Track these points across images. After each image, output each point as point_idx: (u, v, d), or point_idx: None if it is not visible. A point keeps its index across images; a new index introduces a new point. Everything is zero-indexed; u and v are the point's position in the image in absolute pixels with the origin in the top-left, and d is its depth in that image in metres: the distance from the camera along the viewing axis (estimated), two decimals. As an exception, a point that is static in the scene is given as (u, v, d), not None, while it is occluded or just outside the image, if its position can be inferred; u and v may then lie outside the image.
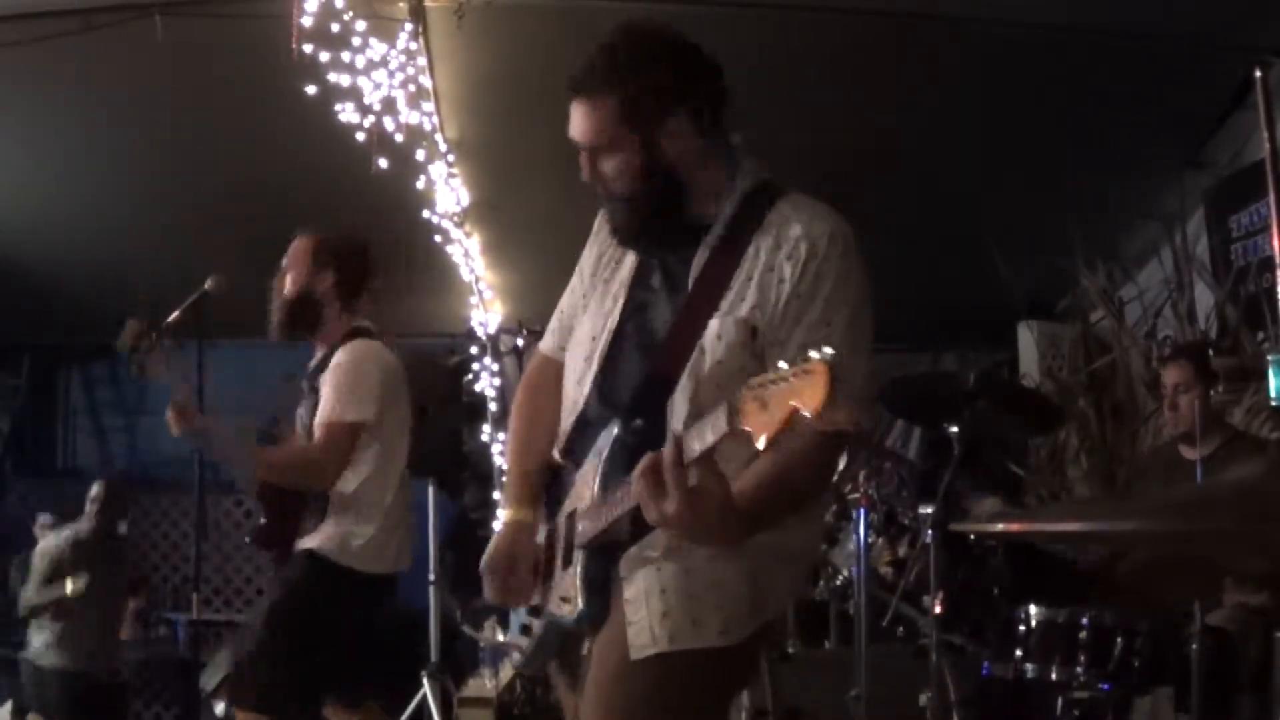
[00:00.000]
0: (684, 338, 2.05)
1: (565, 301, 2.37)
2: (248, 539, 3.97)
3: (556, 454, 2.21)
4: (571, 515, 2.10)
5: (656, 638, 2.01)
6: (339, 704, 3.87)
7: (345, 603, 3.68)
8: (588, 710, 2.05)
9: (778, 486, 1.91)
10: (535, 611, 2.18)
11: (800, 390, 1.56)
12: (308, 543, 3.67)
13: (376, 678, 4.19)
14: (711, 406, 1.99)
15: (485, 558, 2.23)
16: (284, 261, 3.85)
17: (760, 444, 1.61)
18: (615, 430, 2.05)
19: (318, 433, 3.67)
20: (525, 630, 2.21)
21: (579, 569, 2.06)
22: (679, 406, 2.02)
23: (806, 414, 1.56)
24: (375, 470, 3.70)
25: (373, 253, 3.92)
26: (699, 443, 1.75)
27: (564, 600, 2.08)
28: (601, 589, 2.07)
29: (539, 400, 2.34)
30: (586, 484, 2.07)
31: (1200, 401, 4.04)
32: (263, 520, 3.77)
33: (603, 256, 2.27)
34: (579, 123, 2.08)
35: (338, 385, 3.66)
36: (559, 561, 2.13)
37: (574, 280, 2.35)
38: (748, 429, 1.63)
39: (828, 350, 1.57)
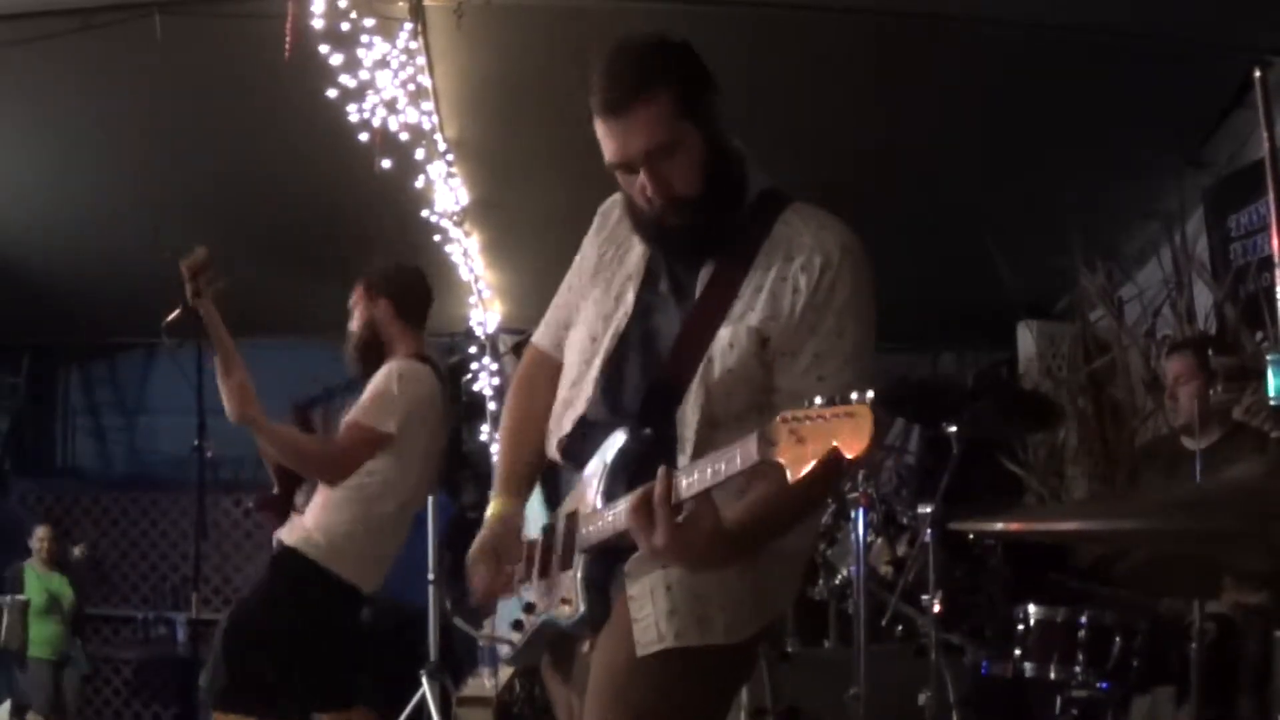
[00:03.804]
0: (692, 346, 2.03)
1: (561, 296, 2.34)
2: (251, 504, 4.08)
3: (554, 452, 2.20)
4: (573, 516, 2.09)
5: (663, 634, 2.01)
6: (328, 708, 3.89)
7: (315, 601, 3.70)
8: (592, 708, 2.05)
9: (777, 513, 1.91)
10: (529, 608, 2.17)
11: (841, 430, 1.58)
12: (288, 538, 3.72)
13: (367, 683, 4.21)
14: (722, 414, 2.01)
15: (471, 551, 2.21)
16: (350, 305, 3.99)
17: (792, 478, 1.62)
18: (621, 437, 2.03)
19: (342, 430, 3.73)
20: (517, 626, 2.21)
21: (580, 572, 2.05)
22: (690, 415, 2.01)
23: (848, 456, 1.57)
24: (375, 480, 3.73)
25: (422, 277, 4.04)
26: (726, 467, 1.75)
27: (564, 602, 2.07)
28: (603, 591, 2.06)
29: (532, 396, 2.32)
30: (589, 488, 2.06)
31: (1200, 393, 4.07)
32: (275, 490, 3.89)
33: (604, 254, 2.23)
34: (637, 131, 1.96)
35: (374, 391, 3.74)
36: (557, 562, 2.12)
37: (571, 276, 2.32)
38: (780, 461, 1.63)
39: (869, 393, 1.58)
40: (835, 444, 1.58)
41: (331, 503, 3.72)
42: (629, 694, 2.01)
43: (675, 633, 2.01)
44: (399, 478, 3.77)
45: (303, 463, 3.80)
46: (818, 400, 1.62)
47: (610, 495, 2.01)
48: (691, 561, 1.90)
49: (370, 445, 3.70)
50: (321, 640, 3.74)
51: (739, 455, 1.72)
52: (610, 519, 1.97)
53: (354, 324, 3.95)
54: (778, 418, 1.65)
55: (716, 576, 2.01)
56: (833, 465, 1.60)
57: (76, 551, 4.31)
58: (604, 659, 2.06)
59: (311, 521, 3.71)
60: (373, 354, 3.90)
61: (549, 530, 2.17)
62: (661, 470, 1.82)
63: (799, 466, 1.61)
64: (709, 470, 1.78)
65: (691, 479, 1.80)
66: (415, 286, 3.99)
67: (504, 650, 2.29)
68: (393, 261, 4.08)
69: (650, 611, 2.02)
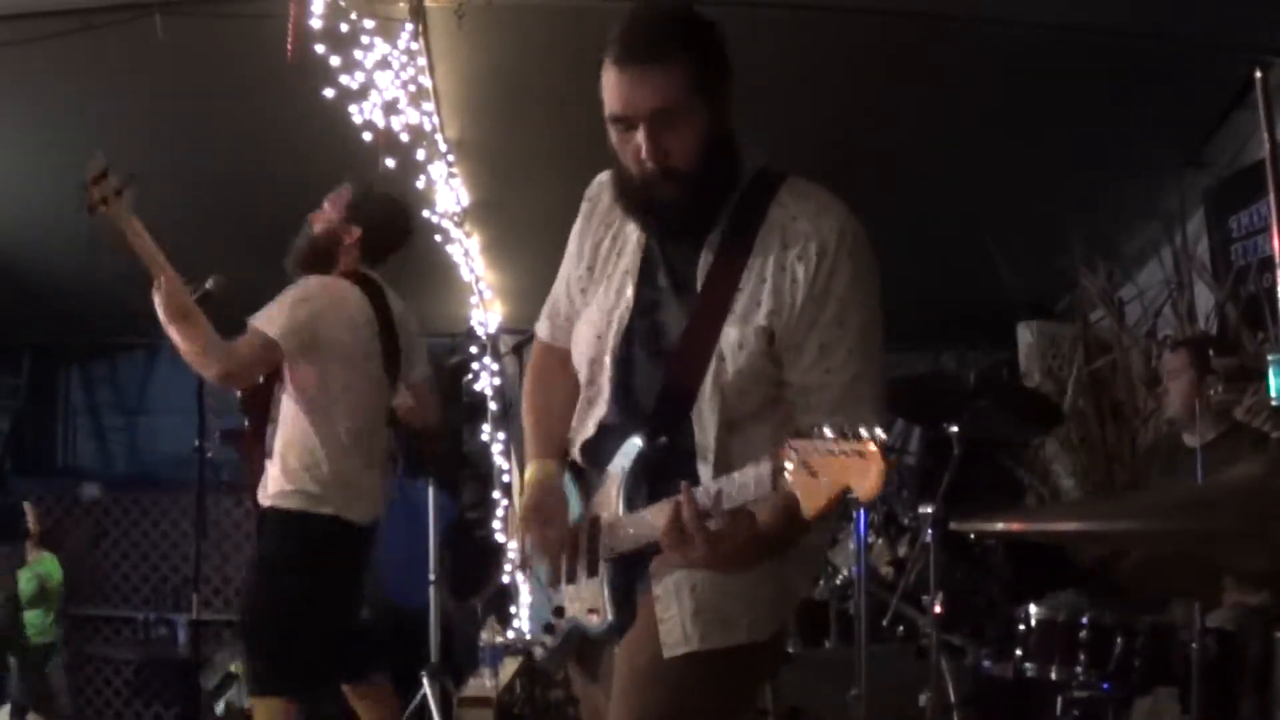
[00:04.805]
0: (699, 345, 2.01)
1: (560, 287, 2.30)
2: (217, 435, 4.05)
3: (576, 454, 2.18)
4: (596, 521, 2.09)
5: (689, 636, 2.01)
6: (347, 681, 3.90)
7: (309, 550, 3.66)
8: (618, 709, 2.04)
9: (799, 521, 1.92)
10: (559, 612, 2.18)
11: (852, 471, 1.62)
12: (264, 499, 3.71)
13: (381, 656, 4.19)
14: (738, 415, 2.00)
15: (520, 510, 2.21)
16: (325, 200, 3.91)
17: (807, 514, 1.67)
18: (638, 444, 2.03)
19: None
20: (548, 629, 2.20)
21: (606, 582, 2.06)
22: (708, 419, 1.99)
23: (856, 497, 1.62)
24: (313, 412, 3.67)
25: (404, 222, 3.99)
26: (739, 494, 1.78)
27: (591, 611, 2.08)
28: (628, 597, 2.07)
29: (550, 382, 2.30)
30: (610, 496, 2.06)
31: (1188, 388, 4.13)
32: (246, 423, 3.93)
33: (600, 246, 2.19)
34: (648, 88, 1.92)
35: (278, 299, 3.67)
36: (583, 568, 2.12)
37: (567, 266, 2.27)
38: (794, 494, 1.67)
39: (879, 432, 1.61)
40: (846, 483, 1.62)
41: (285, 446, 3.67)
42: (655, 695, 2.01)
43: (700, 635, 2.01)
44: (339, 392, 3.68)
45: (192, 348, 3.54)
46: (827, 432, 1.64)
47: (631, 504, 2.01)
48: (725, 569, 1.92)
49: (261, 349, 3.58)
50: (329, 590, 3.71)
51: (753, 483, 1.76)
52: (632, 531, 1.98)
53: (316, 226, 3.86)
54: (787, 444, 1.68)
55: (741, 576, 2.00)
56: (843, 501, 1.65)
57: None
58: (629, 658, 2.06)
59: (274, 473, 3.69)
60: (319, 262, 3.82)
61: (575, 533, 2.16)
62: (684, 488, 1.84)
63: (812, 502, 1.66)
64: (725, 494, 1.81)
65: (731, 496, 1.82)
66: (393, 232, 3.92)
67: (539, 652, 2.29)
68: (385, 193, 4.00)
69: (675, 612, 2.02)
